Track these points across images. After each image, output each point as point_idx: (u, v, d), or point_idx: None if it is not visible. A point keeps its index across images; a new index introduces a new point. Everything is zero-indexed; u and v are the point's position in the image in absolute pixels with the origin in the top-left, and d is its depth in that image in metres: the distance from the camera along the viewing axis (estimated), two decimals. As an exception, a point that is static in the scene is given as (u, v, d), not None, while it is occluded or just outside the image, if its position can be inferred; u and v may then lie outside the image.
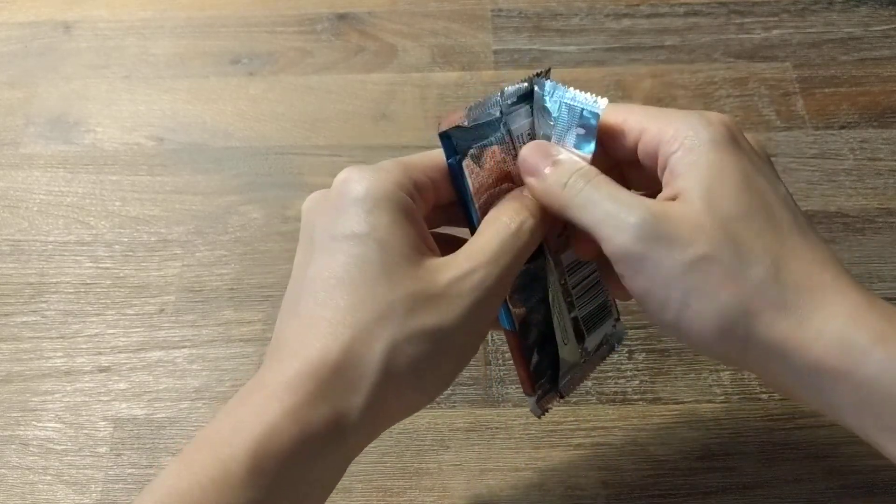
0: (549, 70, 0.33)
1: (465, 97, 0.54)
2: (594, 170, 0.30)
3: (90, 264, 0.48)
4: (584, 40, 0.57)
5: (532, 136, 0.33)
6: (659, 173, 0.30)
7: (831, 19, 0.57)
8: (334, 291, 0.28)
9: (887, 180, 0.49)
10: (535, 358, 0.33)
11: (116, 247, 0.48)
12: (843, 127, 0.52)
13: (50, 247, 0.49)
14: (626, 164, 0.32)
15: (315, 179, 0.51)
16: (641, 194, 0.30)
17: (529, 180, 0.31)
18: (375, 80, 0.55)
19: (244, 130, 0.53)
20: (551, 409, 0.35)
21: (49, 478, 0.40)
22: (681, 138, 0.29)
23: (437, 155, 0.31)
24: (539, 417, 0.35)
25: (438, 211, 0.32)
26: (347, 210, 0.29)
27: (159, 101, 0.55)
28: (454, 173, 0.31)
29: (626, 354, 0.43)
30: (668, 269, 0.27)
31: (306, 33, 0.58)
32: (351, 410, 0.27)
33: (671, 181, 0.29)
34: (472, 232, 0.31)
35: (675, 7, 0.58)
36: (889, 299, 0.44)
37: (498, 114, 0.32)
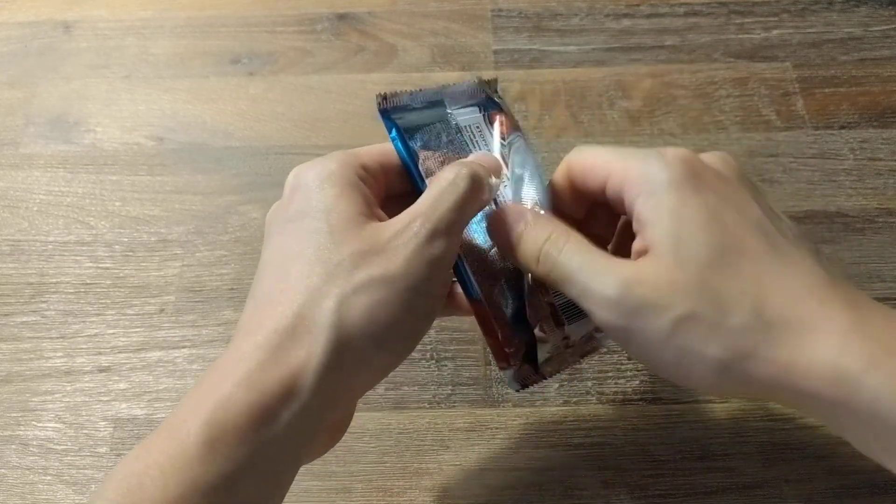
0: (496, 80, 0.36)
1: (465, 97, 0.54)
2: (563, 234, 0.30)
3: (90, 264, 0.48)
4: (584, 40, 0.57)
5: (480, 130, 0.34)
6: (629, 217, 0.30)
7: (831, 19, 0.57)
8: (286, 265, 0.29)
9: (887, 180, 0.49)
10: (508, 331, 0.33)
11: (116, 247, 0.48)
12: (843, 127, 0.52)
13: (50, 247, 0.49)
14: (600, 205, 0.33)
15: (315, 179, 0.51)
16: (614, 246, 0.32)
17: (508, 250, 0.32)
18: (375, 79, 0.55)
19: (244, 130, 0.53)
20: (532, 385, 0.34)
21: (49, 478, 0.40)
22: (640, 182, 0.29)
23: (387, 145, 0.33)
24: (517, 391, 0.34)
25: (394, 202, 0.32)
26: (297, 194, 0.30)
27: (159, 100, 0.55)
28: (398, 150, 0.33)
29: (626, 354, 0.43)
30: (654, 336, 0.28)
31: (306, 33, 0.58)
32: (305, 370, 0.27)
33: (640, 230, 0.29)
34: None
35: (675, 7, 0.58)
36: (889, 299, 0.45)
37: (443, 102, 0.35)
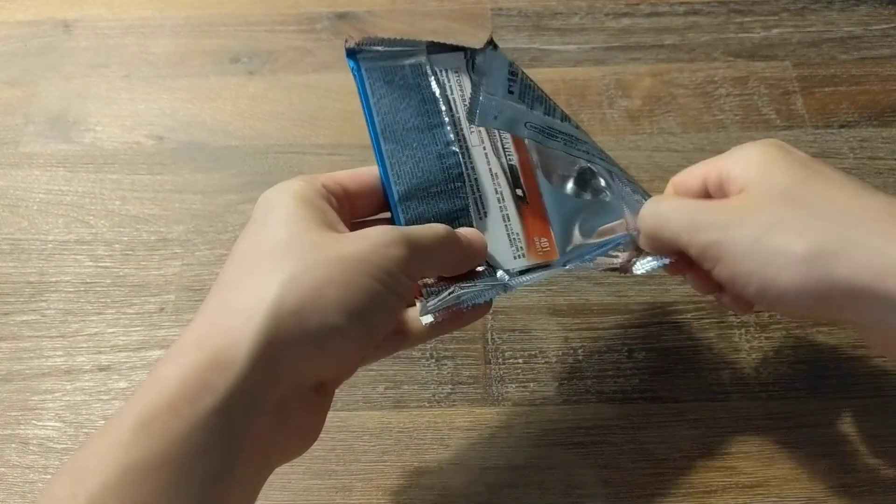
0: (492, 41, 0.36)
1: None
2: (658, 197, 0.36)
3: (90, 263, 0.48)
4: (584, 39, 0.57)
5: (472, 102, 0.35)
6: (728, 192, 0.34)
7: (831, 18, 0.57)
8: (241, 259, 0.30)
9: (887, 179, 0.49)
10: None
11: (116, 246, 0.48)
12: (842, 126, 0.52)
13: (50, 246, 0.49)
14: None
15: (315, 178, 0.51)
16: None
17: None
18: (375, 79, 0.55)
19: (244, 129, 0.53)
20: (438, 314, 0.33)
21: (49, 477, 0.40)
22: (735, 157, 0.34)
23: (353, 171, 0.34)
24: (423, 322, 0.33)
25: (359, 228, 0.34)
26: (260, 209, 0.31)
27: (159, 100, 0.55)
28: (357, 84, 0.34)
29: (626, 353, 0.43)
30: (742, 246, 0.31)
31: (306, 32, 0.58)
32: (240, 340, 0.26)
33: (729, 186, 0.34)
34: (376, 150, 0.34)
35: (675, 6, 0.58)
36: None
37: (420, 56, 0.35)
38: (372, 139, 0.34)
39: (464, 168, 0.35)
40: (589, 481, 0.39)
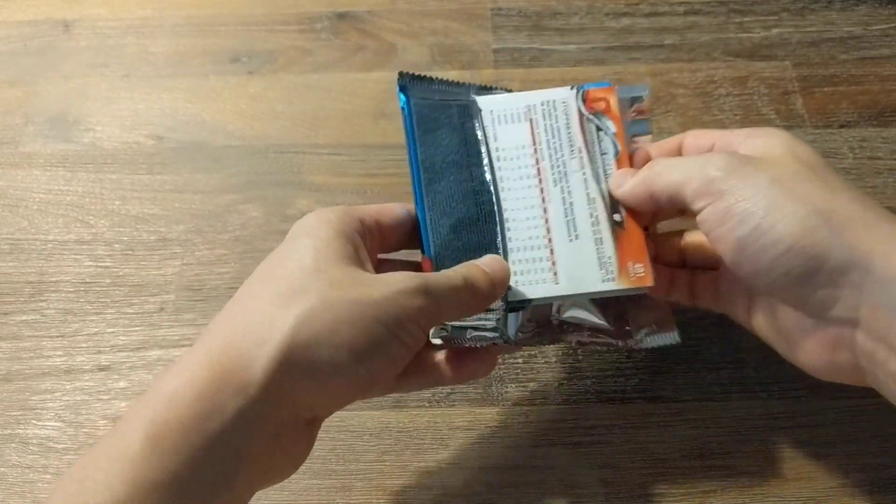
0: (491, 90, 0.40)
1: (464, 96, 0.54)
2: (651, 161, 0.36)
3: (90, 263, 0.48)
4: (584, 39, 0.57)
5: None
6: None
7: (831, 18, 0.57)
8: (266, 277, 0.31)
9: (887, 179, 0.49)
10: None
11: (116, 245, 0.48)
12: (842, 126, 0.52)
13: (49, 245, 0.49)
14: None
15: (315, 178, 0.51)
16: None
17: (620, 190, 0.36)
18: (375, 78, 0.55)
19: (244, 129, 0.53)
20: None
21: (49, 476, 0.40)
22: (746, 132, 0.34)
23: (386, 205, 0.36)
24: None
25: (387, 267, 0.35)
26: (295, 230, 0.32)
27: (159, 99, 0.55)
28: (405, 117, 0.38)
29: (626, 353, 0.43)
30: (754, 184, 0.30)
31: (306, 32, 0.58)
32: (254, 365, 0.27)
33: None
34: (415, 180, 0.37)
35: (675, 6, 0.58)
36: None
37: (467, 97, 0.39)
38: (413, 170, 0.37)
39: (495, 206, 0.37)
40: (588, 481, 0.39)
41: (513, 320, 0.36)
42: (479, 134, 0.38)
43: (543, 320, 0.37)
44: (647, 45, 0.56)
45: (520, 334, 0.36)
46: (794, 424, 0.41)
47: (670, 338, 0.37)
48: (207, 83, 0.56)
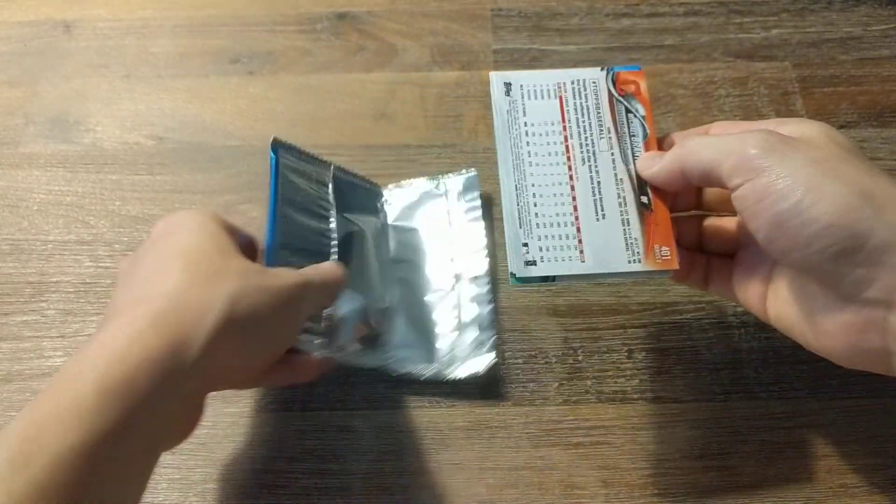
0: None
1: (464, 96, 0.54)
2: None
3: (90, 263, 0.48)
4: (584, 40, 0.57)
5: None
6: None
7: (831, 19, 0.57)
8: (174, 256, 0.33)
9: (887, 179, 0.49)
10: None
11: (116, 246, 0.48)
12: (842, 126, 0.52)
13: (50, 246, 0.49)
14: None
15: (315, 179, 0.51)
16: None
17: (650, 171, 0.36)
18: (375, 79, 0.55)
19: (244, 129, 0.53)
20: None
21: (49, 477, 0.40)
22: (777, 121, 0.34)
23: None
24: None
25: None
26: (174, 221, 0.36)
27: (159, 100, 0.55)
28: (272, 168, 0.41)
29: (626, 353, 0.43)
30: (792, 163, 0.30)
31: (306, 32, 0.58)
32: (191, 342, 0.30)
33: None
34: (271, 219, 0.39)
35: (675, 7, 0.58)
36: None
37: (327, 172, 0.45)
38: (271, 203, 0.40)
39: (334, 251, 0.42)
40: (588, 482, 0.39)
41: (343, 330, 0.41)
42: (331, 197, 0.44)
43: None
44: (647, 45, 0.56)
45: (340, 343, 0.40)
46: (794, 424, 0.41)
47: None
48: (207, 83, 0.56)
